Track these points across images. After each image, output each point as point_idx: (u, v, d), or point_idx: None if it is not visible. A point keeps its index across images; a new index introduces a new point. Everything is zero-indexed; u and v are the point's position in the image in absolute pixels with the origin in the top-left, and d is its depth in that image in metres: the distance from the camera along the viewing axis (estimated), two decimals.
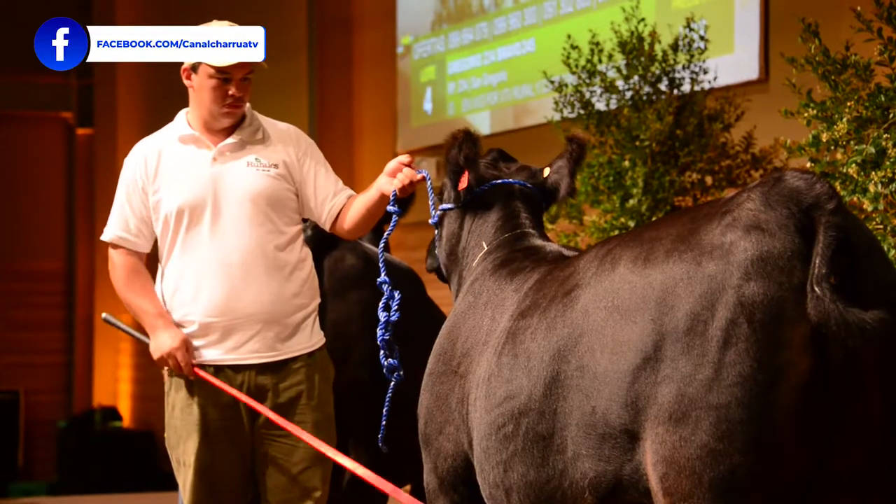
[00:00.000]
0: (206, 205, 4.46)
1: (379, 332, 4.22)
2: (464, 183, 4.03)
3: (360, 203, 4.49)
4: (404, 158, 4.36)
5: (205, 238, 4.46)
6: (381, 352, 4.23)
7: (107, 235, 4.56)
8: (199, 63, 4.45)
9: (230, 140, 4.52)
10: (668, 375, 2.93)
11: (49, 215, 16.69)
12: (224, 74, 4.43)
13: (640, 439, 3.00)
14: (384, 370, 4.23)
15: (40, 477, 15.65)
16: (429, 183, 4.25)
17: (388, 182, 4.35)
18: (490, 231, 4.01)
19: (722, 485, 2.86)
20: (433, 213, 4.21)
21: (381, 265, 4.26)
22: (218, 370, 4.47)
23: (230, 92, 4.45)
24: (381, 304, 4.24)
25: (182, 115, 4.60)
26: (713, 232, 2.97)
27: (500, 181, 4.09)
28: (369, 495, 5.29)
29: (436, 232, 4.26)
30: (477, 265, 3.93)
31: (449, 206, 4.13)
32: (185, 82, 4.53)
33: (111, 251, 4.56)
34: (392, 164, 4.36)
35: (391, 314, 4.22)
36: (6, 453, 15.66)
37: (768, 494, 2.87)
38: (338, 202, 4.56)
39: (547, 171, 4.14)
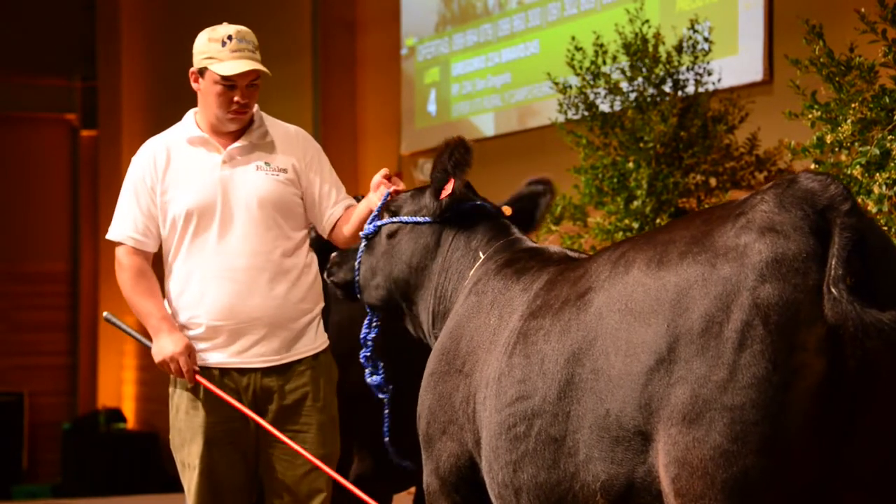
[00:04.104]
0: (214, 208, 4.46)
1: (362, 352, 4.27)
2: (448, 190, 3.97)
3: (353, 217, 4.50)
4: (383, 172, 4.36)
5: (212, 242, 4.46)
6: (366, 370, 4.27)
7: (114, 235, 4.54)
8: (206, 68, 4.44)
9: (239, 143, 4.52)
10: (682, 377, 2.94)
11: (53, 217, 16.68)
12: (229, 82, 4.43)
13: (652, 441, 3.00)
14: (373, 388, 4.29)
15: (44, 479, 15.65)
16: (384, 198, 4.23)
17: (375, 197, 4.36)
18: (482, 242, 3.99)
19: (734, 486, 2.87)
20: (368, 225, 4.20)
21: (355, 283, 4.28)
22: (224, 373, 4.48)
23: (235, 98, 4.44)
24: (364, 323, 4.28)
25: (191, 116, 4.60)
26: (727, 234, 2.97)
27: (481, 203, 4.08)
28: (373, 497, 5.28)
29: (363, 244, 4.21)
30: (475, 272, 3.92)
31: (425, 219, 4.07)
32: (193, 85, 4.53)
33: (118, 250, 4.53)
34: (376, 179, 4.36)
35: (371, 330, 4.25)
36: (10, 455, 15.65)
37: (781, 496, 2.87)
38: (336, 212, 4.57)
39: (509, 211, 4.13)
